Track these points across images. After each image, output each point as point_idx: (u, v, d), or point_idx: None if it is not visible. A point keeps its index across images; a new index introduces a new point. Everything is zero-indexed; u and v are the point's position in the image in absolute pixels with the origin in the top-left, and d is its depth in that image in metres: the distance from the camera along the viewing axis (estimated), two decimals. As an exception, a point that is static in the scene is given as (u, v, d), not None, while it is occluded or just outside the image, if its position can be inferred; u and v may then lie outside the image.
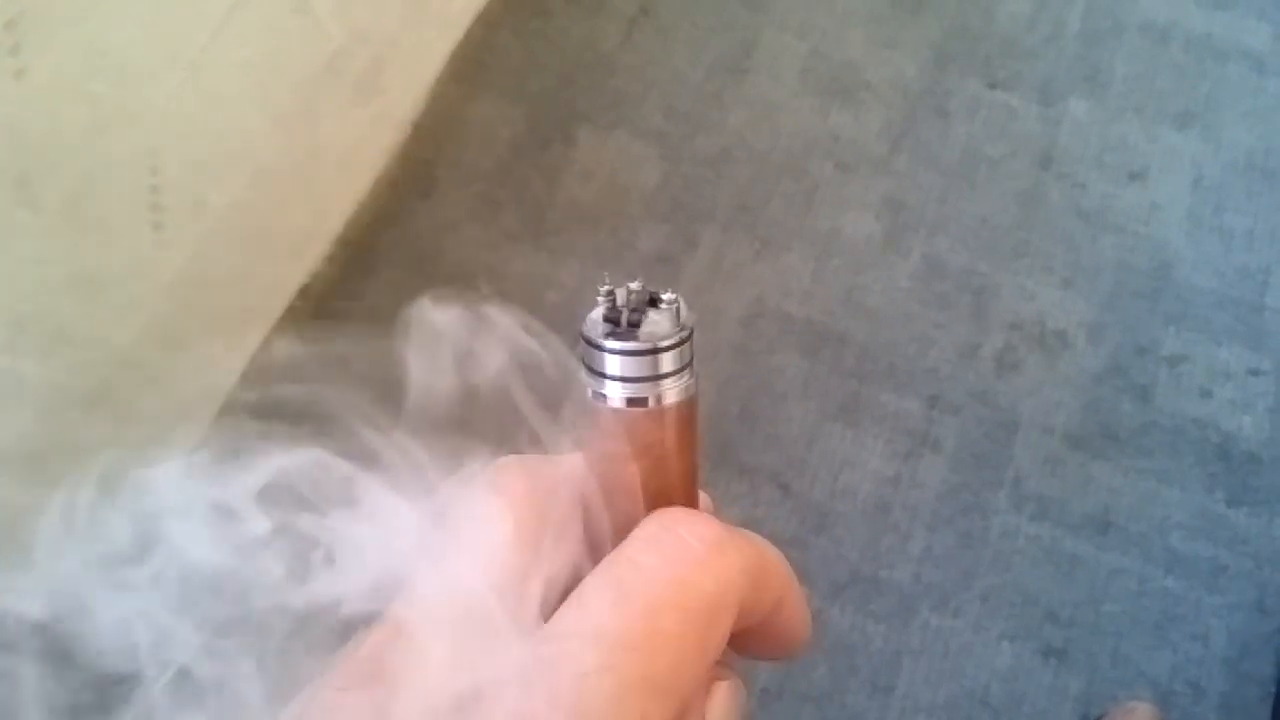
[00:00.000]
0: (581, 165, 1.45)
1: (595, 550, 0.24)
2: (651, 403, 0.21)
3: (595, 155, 1.45)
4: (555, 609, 0.22)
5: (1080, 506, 1.24)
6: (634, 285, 0.22)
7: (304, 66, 1.19)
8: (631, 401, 0.21)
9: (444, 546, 0.22)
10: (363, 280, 1.34)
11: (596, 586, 0.20)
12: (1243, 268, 1.41)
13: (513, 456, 0.24)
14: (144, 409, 1.12)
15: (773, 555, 0.22)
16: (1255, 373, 1.33)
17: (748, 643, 0.23)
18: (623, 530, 0.23)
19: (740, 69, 1.54)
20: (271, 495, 0.21)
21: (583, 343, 0.22)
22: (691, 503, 0.24)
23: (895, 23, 1.60)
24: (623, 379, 0.21)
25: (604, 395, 0.22)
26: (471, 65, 1.51)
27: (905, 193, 1.45)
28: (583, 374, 0.22)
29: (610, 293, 0.22)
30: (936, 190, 1.45)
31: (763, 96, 1.52)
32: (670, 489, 0.23)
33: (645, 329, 0.21)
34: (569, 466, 0.23)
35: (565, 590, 0.23)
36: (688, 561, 0.20)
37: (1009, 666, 1.15)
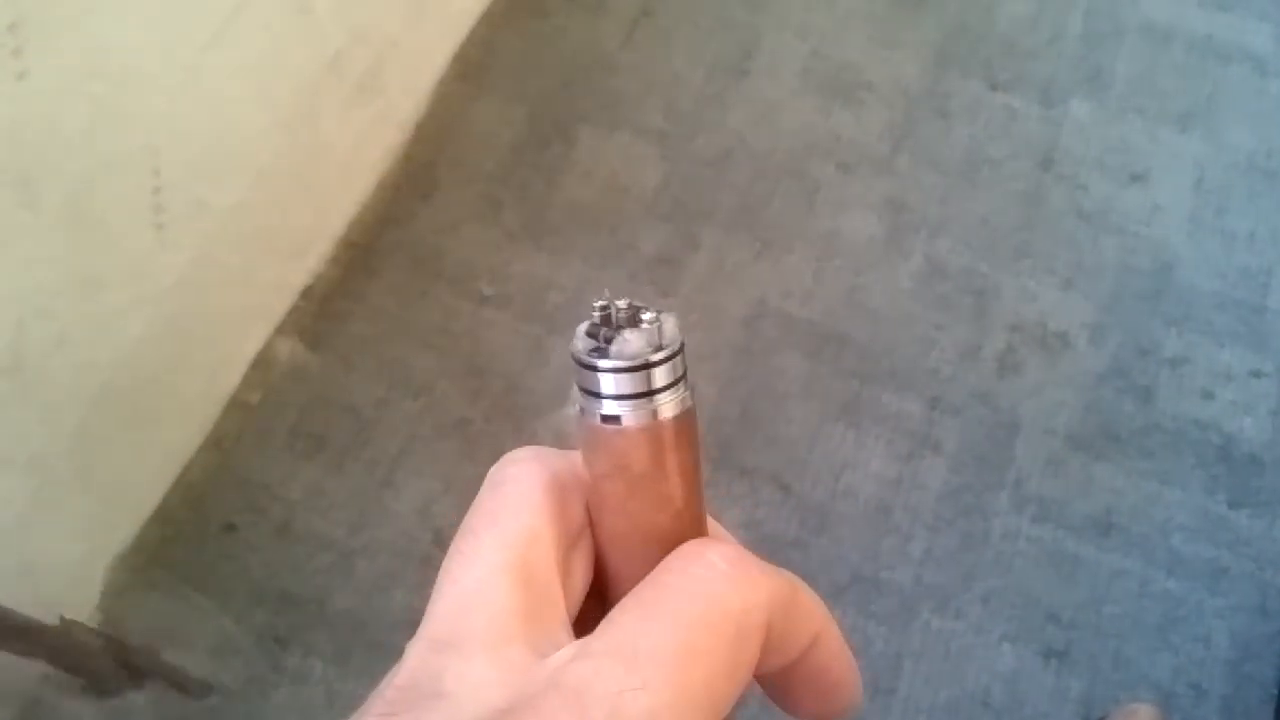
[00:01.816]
0: (582, 165, 1.45)
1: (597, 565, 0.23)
2: (626, 420, 0.21)
3: (596, 155, 1.45)
4: (579, 605, 0.22)
5: (1082, 508, 1.24)
6: (620, 303, 0.21)
7: (305, 67, 1.19)
8: (606, 418, 0.21)
9: (468, 548, 0.21)
10: (365, 281, 1.34)
11: (625, 608, 0.20)
12: (1244, 269, 1.41)
13: (528, 448, 0.23)
14: (145, 410, 1.12)
15: (805, 590, 0.22)
16: (1257, 374, 1.33)
17: (789, 686, 0.23)
18: (617, 550, 0.23)
19: (741, 69, 1.54)
20: None
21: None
22: (695, 521, 0.23)
23: (896, 23, 1.60)
24: (599, 395, 0.21)
25: (584, 410, 0.22)
26: (473, 66, 1.51)
27: (906, 193, 1.45)
28: (574, 388, 0.22)
29: (605, 307, 0.21)
30: (938, 191, 1.45)
31: (763, 97, 1.52)
32: (665, 508, 0.22)
33: (615, 347, 0.21)
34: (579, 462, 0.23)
35: (586, 586, 0.23)
36: (713, 579, 0.20)
37: (1010, 668, 1.15)
